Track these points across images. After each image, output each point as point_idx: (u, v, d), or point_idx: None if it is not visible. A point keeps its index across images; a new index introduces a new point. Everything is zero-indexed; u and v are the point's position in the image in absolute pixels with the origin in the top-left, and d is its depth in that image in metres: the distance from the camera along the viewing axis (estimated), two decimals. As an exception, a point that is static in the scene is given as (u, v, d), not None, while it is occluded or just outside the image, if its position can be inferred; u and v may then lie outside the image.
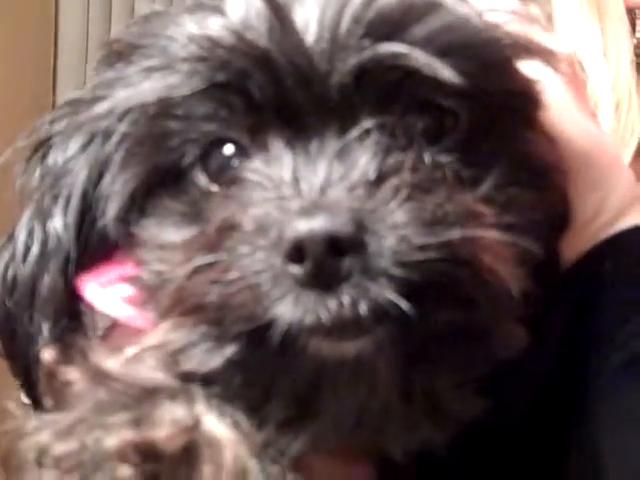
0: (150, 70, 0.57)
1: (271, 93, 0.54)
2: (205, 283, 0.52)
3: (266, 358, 0.52)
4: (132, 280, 0.59)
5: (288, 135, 0.55)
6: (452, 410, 0.56)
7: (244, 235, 0.52)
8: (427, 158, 0.55)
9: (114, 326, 0.63)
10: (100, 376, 0.56)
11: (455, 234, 0.51)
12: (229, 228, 0.53)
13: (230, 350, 0.52)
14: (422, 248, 0.50)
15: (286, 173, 0.53)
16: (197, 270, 0.53)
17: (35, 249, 0.62)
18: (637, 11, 0.93)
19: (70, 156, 0.62)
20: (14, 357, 0.64)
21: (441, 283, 0.51)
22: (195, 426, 0.54)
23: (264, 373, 0.53)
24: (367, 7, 0.54)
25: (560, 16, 0.60)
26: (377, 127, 0.54)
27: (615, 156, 0.70)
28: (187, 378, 0.55)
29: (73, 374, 0.57)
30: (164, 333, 0.55)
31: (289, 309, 0.50)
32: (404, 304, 0.49)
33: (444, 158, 0.55)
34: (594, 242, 0.63)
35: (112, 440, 0.52)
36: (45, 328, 0.61)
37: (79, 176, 0.61)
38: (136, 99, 0.57)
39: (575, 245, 0.63)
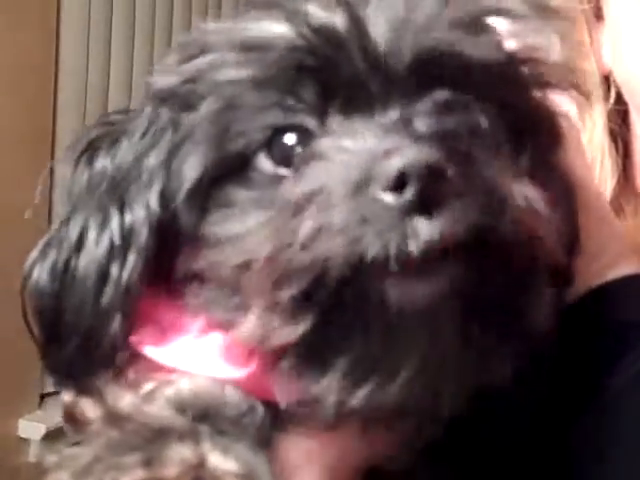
0: (240, 57, 0.59)
1: (344, 77, 0.58)
2: (298, 246, 0.53)
3: (346, 310, 0.54)
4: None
5: (357, 114, 0.58)
6: (492, 371, 0.57)
7: (333, 196, 0.54)
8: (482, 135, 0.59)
9: (131, 360, 0.63)
10: (114, 416, 0.58)
11: (514, 201, 0.55)
12: (316, 193, 0.54)
13: (314, 315, 0.54)
14: (488, 207, 0.54)
15: (363, 144, 0.56)
16: (286, 238, 0.54)
17: (106, 243, 0.60)
18: (611, 78, 0.96)
19: (141, 151, 0.62)
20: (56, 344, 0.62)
21: (500, 245, 0.54)
22: (201, 464, 0.57)
23: (342, 326, 0.54)
24: (437, 17, 0.58)
25: None
26: (439, 103, 0.58)
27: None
28: (196, 418, 0.58)
29: (90, 412, 0.59)
30: (255, 320, 0.56)
31: (384, 242, 0.52)
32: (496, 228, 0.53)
33: (495, 140, 0.59)
34: (597, 282, 0.65)
35: None
36: (117, 319, 0.60)
37: (155, 172, 0.61)
38: (228, 77, 0.59)
39: (579, 279, 0.65)
